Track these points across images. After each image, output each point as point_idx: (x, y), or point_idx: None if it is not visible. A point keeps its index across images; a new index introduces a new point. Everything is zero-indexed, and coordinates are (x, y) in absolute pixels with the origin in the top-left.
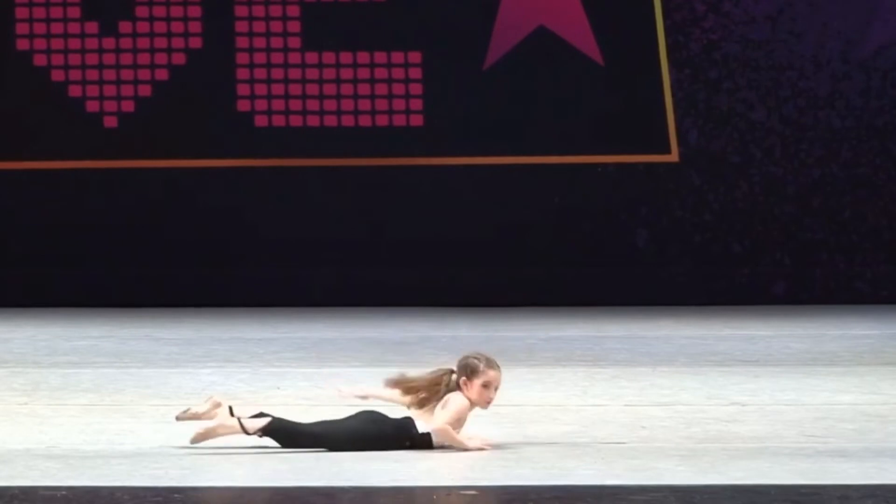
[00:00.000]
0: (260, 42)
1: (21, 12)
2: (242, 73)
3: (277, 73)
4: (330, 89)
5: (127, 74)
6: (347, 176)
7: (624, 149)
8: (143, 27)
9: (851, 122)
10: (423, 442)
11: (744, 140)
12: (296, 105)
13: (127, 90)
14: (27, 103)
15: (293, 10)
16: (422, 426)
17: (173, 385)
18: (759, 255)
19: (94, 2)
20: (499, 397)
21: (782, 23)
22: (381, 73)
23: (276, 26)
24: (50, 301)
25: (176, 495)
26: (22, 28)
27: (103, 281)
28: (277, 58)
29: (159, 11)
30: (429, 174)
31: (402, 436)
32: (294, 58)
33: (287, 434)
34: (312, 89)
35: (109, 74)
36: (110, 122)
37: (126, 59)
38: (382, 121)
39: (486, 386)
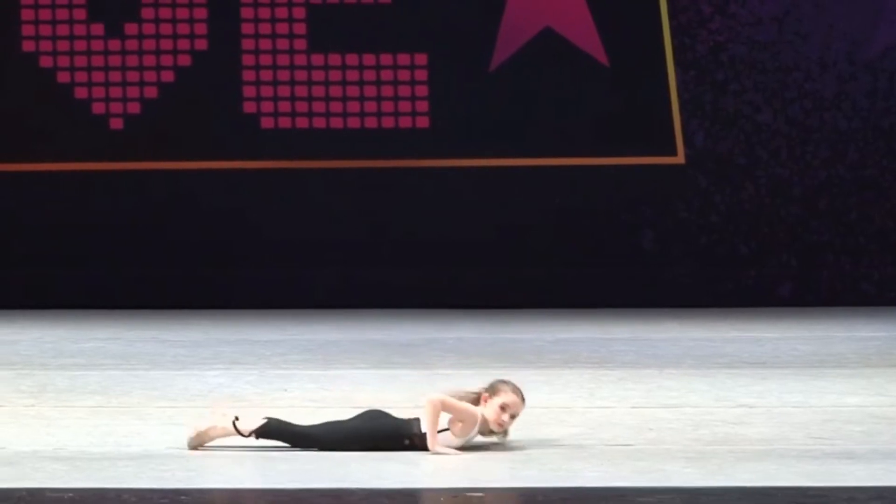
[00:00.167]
0: (266, 44)
1: (27, 14)
2: (248, 75)
3: (283, 75)
4: (336, 91)
5: (133, 76)
6: (352, 177)
7: (630, 150)
8: (148, 29)
9: (858, 124)
10: (423, 442)
11: (750, 142)
12: (302, 107)
13: (133, 92)
14: (33, 105)
15: (299, 12)
16: (425, 426)
17: (180, 387)
18: (766, 256)
19: (99, 3)
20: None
21: (788, 24)
22: (386, 74)
23: (282, 28)
24: (52, 302)
25: (183, 497)
26: (28, 30)
27: (106, 282)
28: (283, 59)
29: (165, 13)
30: (433, 176)
31: (401, 434)
32: (300, 59)
33: (282, 435)
34: (318, 91)
35: (115, 76)
36: (116, 123)
37: (132, 60)
38: (388, 123)
39: (503, 408)
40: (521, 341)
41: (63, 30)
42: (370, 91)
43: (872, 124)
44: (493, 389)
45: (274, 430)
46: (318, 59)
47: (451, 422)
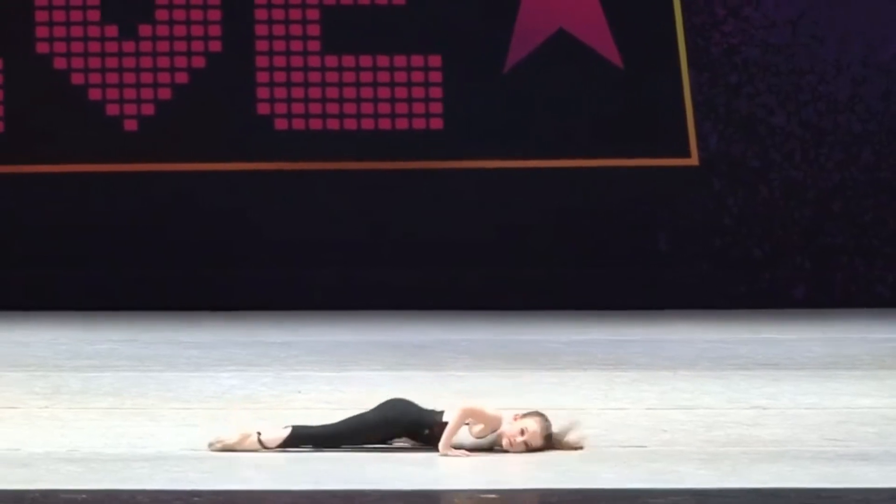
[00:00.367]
0: (280, 45)
1: (41, 15)
2: (262, 77)
3: (297, 77)
4: (350, 92)
5: (146, 78)
6: (355, 179)
7: (643, 152)
8: (162, 30)
9: (872, 126)
10: (441, 432)
11: (764, 144)
12: (315, 108)
13: (147, 93)
14: (47, 107)
15: (313, 14)
16: (448, 417)
17: (194, 389)
18: (780, 259)
19: (113, 5)
20: (521, 406)
21: (802, 27)
22: (400, 76)
23: (296, 30)
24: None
25: (196, 499)
26: (42, 31)
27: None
28: (297, 61)
29: (179, 15)
30: (452, 178)
31: (424, 422)
32: (314, 61)
33: (308, 440)
34: (332, 92)
35: (129, 78)
36: (130, 125)
37: (146, 62)
38: (402, 124)
39: (522, 432)
40: (534, 343)
41: (77, 31)
42: (384, 93)
43: (886, 127)
44: (527, 414)
45: (300, 438)
46: (331, 60)
47: (472, 420)
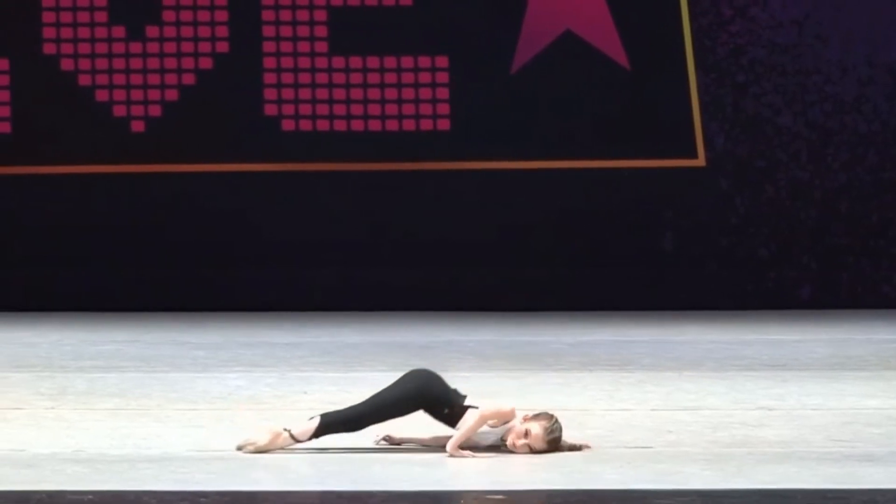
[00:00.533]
0: (287, 46)
1: (48, 16)
2: (269, 78)
3: (304, 78)
4: (357, 94)
5: (154, 79)
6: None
7: (650, 153)
8: (170, 31)
9: (878, 127)
10: (460, 413)
11: (770, 144)
12: (322, 109)
13: (154, 94)
14: (54, 108)
15: (320, 15)
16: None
17: (200, 389)
18: (786, 259)
19: (121, 6)
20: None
21: (808, 27)
22: (407, 77)
23: (303, 31)
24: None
25: (202, 499)
26: (49, 32)
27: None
28: (304, 62)
29: (186, 16)
30: (459, 179)
31: (447, 399)
32: (321, 62)
33: (339, 426)
34: (339, 94)
35: (136, 79)
36: (137, 126)
37: (153, 63)
38: (409, 125)
39: (526, 432)
40: (540, 344)
41: (84, 32)
42: (391, 94)
43: (893, 127)
44: (536, 416)
45: (330, 425)
46: (338, 61)
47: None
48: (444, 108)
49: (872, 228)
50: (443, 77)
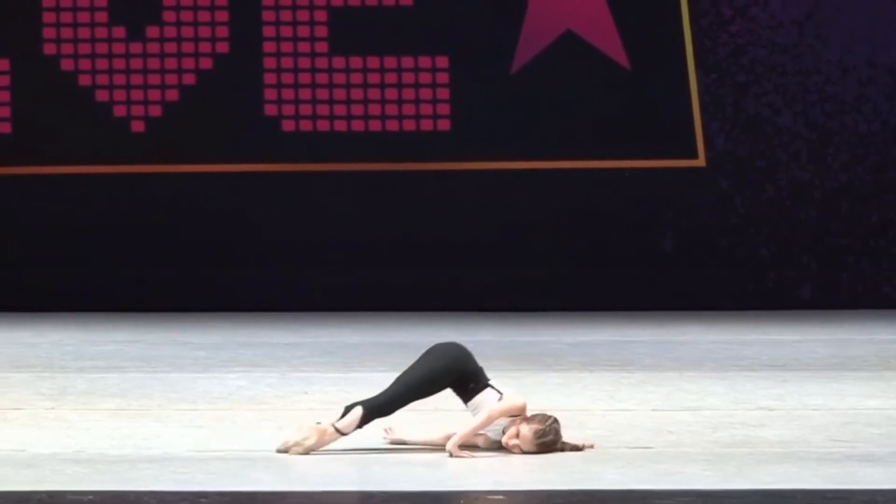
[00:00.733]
0: (287, 47)
1: (48, 17)
2: (269, 78)
3: (304, 78)
4: (357, 94)
5: (154, 79)
6: (374, 181)
7: (650, 153)
8: (170, 32)
9: (878, 127)
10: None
11: (770, 144)
12: (323, 110)
13: (154, 95)
14: (54, 108)
15: (320, 15)
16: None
17: (200, 389)
18: (786, 259)
19: (121, 6)
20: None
21: (809, 27)
22: (408, 77)
23: (304, 31)
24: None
25: (202, 500)
26: (49, 32)
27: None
28: (304, 62)
29: (186, 16)
30: (460, 179)
31: (474, 376)
32: (321, 62)
33: (380, 411)
34: (339, 94)
35: (136, 79)
36: (137, 126)
37: (153, 63)
38: (409, 126)
39: (516, 434)
40: (540, 344)
41: (84, 33)
42: (391, 94)
43: (893, 127)
44: (532, 417)
45: (373, 412)
46: (339, 61)
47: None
48: (444, 109)
49: (872, 228)
50: (443, 77)
